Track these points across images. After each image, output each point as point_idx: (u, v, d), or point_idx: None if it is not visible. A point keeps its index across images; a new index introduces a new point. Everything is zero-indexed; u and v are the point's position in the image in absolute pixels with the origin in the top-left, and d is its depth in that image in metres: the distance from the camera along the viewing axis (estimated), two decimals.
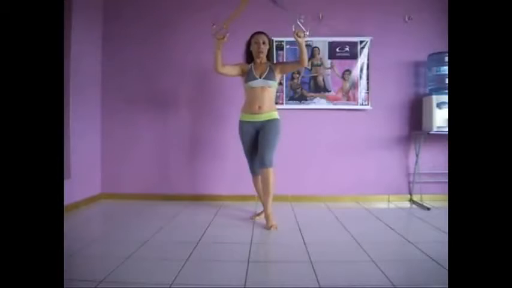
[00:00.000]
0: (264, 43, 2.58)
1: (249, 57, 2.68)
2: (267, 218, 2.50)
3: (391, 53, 3.45)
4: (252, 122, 2.57)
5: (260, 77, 2.54)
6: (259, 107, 2.54)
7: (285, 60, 3.41)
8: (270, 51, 2.67)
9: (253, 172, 2.67)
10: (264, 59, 2.63)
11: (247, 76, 2.58)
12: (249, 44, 2.66)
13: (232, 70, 2.60)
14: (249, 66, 2.63)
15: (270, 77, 2.55)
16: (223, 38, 2.39)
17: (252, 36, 2.64)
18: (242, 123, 2.62)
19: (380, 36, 3.42)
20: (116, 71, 3.50)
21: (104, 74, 3.51)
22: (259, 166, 2.51)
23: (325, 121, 3.48)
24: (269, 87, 2.56)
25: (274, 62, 3.06)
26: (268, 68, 2.58)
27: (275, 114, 2.60)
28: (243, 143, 2.64)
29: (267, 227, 2.45)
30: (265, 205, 2.51)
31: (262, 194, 2.55)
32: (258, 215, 2.73)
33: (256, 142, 2.57)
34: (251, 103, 2.57)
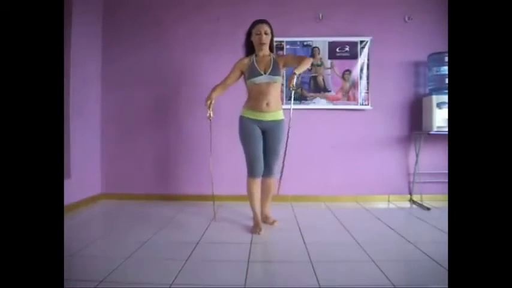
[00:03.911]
0: (266, 33, 2.35)
1: (249, 48, 2.47)
2: (266, 218, 2.56)
3: (391, 53, 3.45)
4: (258, 121, 2.38)
5: (265, 73, 2.34)
6: (267, 104, 2.35)
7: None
8: (272, 41, 2.44)
9: (258, 174, 2.42)
10: (267, 51, 2.43)
11: (250, 72, 2.37)
12: (249, 34, 2.44)
13: (234, 79, 2.47)
14: (251, 60, 2.41)
15: (275, 72, 2.34)
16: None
17: (253, 25, 2.40)
18: (246, 121, 2.39)
19: (380, 36, 3.42)
20: (115, 71, 3.50)
21: (104, 74, 3.51)
22: (265, 174, 2.46)
23: (325, 121, 3.48)
24: (275, 82, 2.36)
25: (277, 54, 2.69)
26: (272, 61, 2.38)
27: (281, 114, 2.46)
28: (251, 143, 2.38)
29: (269, 223, 2.54)
30: (264, 206, 2.58)
31: (264, 196, 2.55)
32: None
33: (262, 142, 2.43)
34: (257, 100, 2.36)
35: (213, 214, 2.75)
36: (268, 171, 2.48)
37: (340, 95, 3.46)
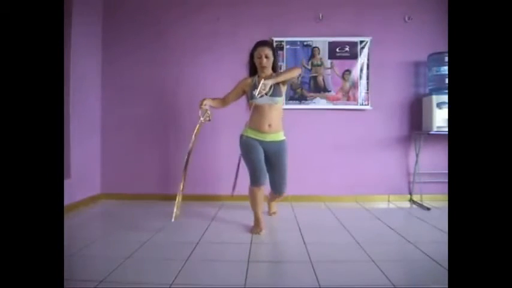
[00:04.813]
0: (266, 57, 2.37)
1: (252, 68, 2.50)
2: (269, 207, 2.87)
3: (391, 53, 3.45)
4: (260, 141, 2.41)
5: (266, 94, 2.33)
6: (269, 126, 2.38)
7: (284, 63, 3.43)
8: (275, 62, 2.46)
9: (262, 183, 2.40)
10: (269, 72, 2.44)
11: (252, 92, 2.36)
12: (252, 55, 2.46)
13: (235, 97, 2.52)
14: (253, 81, 2.43)
15: (276, 93, 2.35)
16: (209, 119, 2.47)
17: (255, 48, 2.43)
18: (247, 138, 2.41)
19: (380, 36, 3.42)
20: (115, 72, 3.50)
21: (103, 74, 3.51)
22: (275, 192, 2.57)
23: (325, 121, 3.48)
24: (276, 103, 2.38)
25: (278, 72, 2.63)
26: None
27: (282, 135, 2.48)
28: (253, 154, 2.38)
29: (269, 214, 2.83)
30: (272, 201, 2.83)
31: (274, 199, 2.79)
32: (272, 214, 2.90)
33: (263, 155, 2.44)
34: (259, 121, 2.38)
35: (174, 214, 2.41)
36: (279, 191, 2.55)
37: (340, 95, 3.46)
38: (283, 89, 2.43)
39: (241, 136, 2.45)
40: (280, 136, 2.47)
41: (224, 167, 3.43)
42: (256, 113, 2.40)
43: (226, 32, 3.45)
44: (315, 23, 3.46)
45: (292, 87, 3.46)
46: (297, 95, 3.46)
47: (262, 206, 2.49)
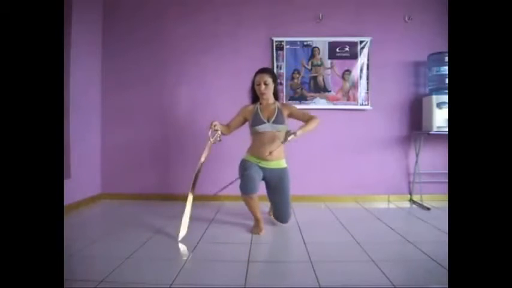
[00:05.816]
0: (266, 84, 2.39)
1: (255, 95, 2.50)
2: (270, 206, 2.75)
3: (391, 53, 3.45)
4: (261, 168, 2.41)
5: (268, 121, 2.38)
6: (270, 153, 2.36)
7: (285, 63, 3.42)
8: (276, 89, 2.49)
9: (251, 191, 2.28)
10: (271, 99, 2.46)
11: (254, 119, 2.40)
12: (253, 83, 2.48)
13: (237, 125, 2.53)
14: (255, 108, 2.46)
15: (279, 120, 2.37)
16: (219, 139, 2.42)
17: (255, 75, 2.46)
18: (247, 161, 2.43)
19: (380, 36, 3.42)
20: (115, 72, 3.50)
21: (103, 74, 3.51)
22: (279, 221, 2.52)
23: (325, 121, 3.46)
24: (278, 131, 2.38)
25: (283, 102, 2.66)
26: (276, 110, 2.41)
27: (284, 163, 2.49)
28: (248, 168, 2.35)
29: (270, 213, 2.74)
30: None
31: None
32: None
33: (260, 175, 2.42)
34: (260, 148, 2.38)
35: (180, 234, 2.23)
36: (282, 220, 2.51)
37: (340, 95, 3.46)
38: (287, 118, 2.46)
39: (242, 160, 2.47)
40: (282, 164, 2.48)
41: (225, 168, 3.43)
42: (258, 139, 2.41)
43: (226, 31, 3.45)
44: (315, 23, 3.46)
45: (292, 87, 3.46)
46: (297, 95, 3.46)
47: (260, 207, 2.47)
